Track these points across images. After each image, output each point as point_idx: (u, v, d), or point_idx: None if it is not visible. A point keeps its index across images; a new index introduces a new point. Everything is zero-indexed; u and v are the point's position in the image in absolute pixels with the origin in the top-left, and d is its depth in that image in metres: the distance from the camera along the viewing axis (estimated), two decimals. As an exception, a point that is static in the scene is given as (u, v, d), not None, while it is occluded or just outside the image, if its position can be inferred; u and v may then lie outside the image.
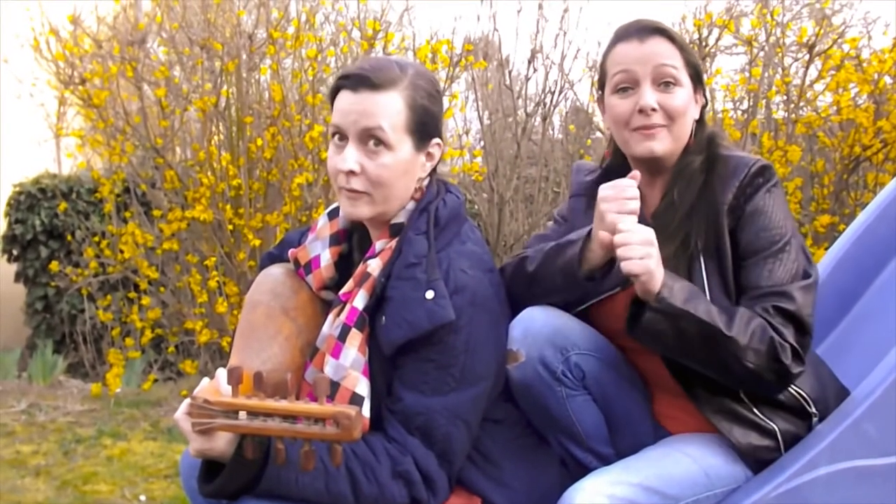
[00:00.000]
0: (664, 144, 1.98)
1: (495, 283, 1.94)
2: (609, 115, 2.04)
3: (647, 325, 1.81)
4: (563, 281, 1.92)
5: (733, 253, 1.93)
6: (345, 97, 1.89)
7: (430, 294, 1.81)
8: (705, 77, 2.06)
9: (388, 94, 1.87)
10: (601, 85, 2.07)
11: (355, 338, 1.85)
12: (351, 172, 1.86)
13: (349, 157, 1.86)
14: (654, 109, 1.95)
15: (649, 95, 1.96)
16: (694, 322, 1.80)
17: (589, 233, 1.90)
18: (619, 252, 1.77)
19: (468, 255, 1.91)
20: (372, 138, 1.86)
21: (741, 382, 1.89)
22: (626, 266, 1.76)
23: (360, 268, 1.92)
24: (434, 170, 1.99)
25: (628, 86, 1.98)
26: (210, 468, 1.74)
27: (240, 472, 1.69)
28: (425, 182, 1.96)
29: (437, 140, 1.96)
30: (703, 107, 2.06)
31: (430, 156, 1.95)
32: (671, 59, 1.97)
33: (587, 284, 1.91)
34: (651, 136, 1.97)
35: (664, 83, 1.97)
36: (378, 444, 1.80)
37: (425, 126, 1.92)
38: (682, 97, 1.97)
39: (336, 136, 1.90)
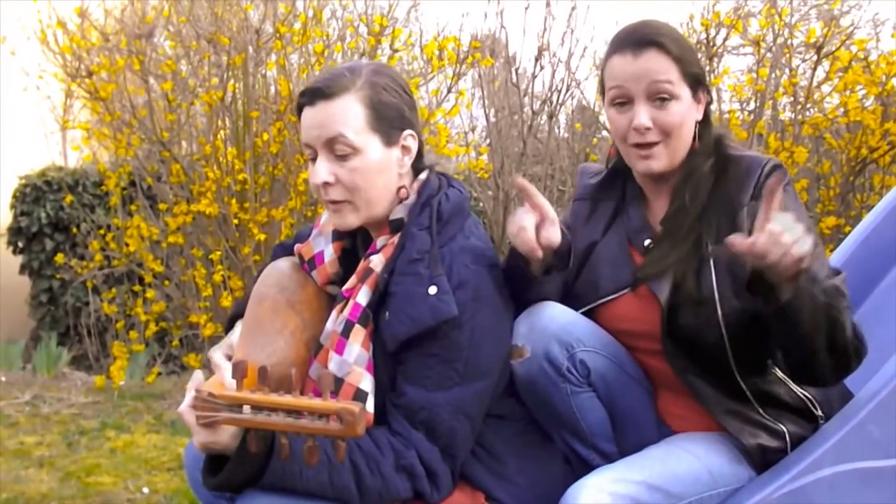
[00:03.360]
0: (662, 162, 1.97)
1: (498, 278, 1.94)
2: (609, 125, 2.04)
3: (795, 305, 1.73)
4: (542, 293, 1.95)
5: None
6: (306, 114, 1.91)
7: (433, 289, 1.81)
8: (713, 77, 2.05)
9: (342, 99, 1.88)
10: (601, 91, 2.06)
11: (359, 334, 1.85)
12: (326, 184, 1.87)
13: (320, 170, 1.88)
14: (648, 128, 1.94)
15: (643, 115, 1.94)
16: (822, 291, 1.75)
17: (513, 251, 1.93)
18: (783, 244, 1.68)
19: (471, 251, 1.91)
20: (336, 146, 1.87)
21: (836, 361, 1.82)
22: (798, 252, 1.67)
23: (362, 264, 1.92)
24: (420, 161, 1.98)
25: (624, 101, 1.97)
26: (214, 461, 1.74)
27: (244, 465, 1.70)
28: (422, 175, 1.96)
29: (408, 132, 1.95)
30: (708, 104, 2.03)
31: (405, 149, 1.94)
32: (665, 73, 1.94)
33: (551, 279, 1.94)
34: (648, 157, 1.97)
35: (659, 98, 1.94)
36: (382, 438, 1.80)
37: (389, 120, 1.91)
38: (678, 111, 1.95)
39: (309, 155, 1.92)
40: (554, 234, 1.87)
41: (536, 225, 1.87)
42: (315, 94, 1.89)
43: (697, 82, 1.99)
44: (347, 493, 1.76)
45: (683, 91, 1.95)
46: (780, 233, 1.67)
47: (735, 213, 1.93)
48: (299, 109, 1.93)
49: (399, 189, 1.94)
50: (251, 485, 1.73)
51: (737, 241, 1.71)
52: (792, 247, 1.66)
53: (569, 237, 1.98)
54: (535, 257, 1.88)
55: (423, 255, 1.86)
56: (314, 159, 1.91)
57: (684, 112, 1.96)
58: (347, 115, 1.87)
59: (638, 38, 1.96)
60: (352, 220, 1.91)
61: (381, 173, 1.91)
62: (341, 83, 1.89)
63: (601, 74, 2.05)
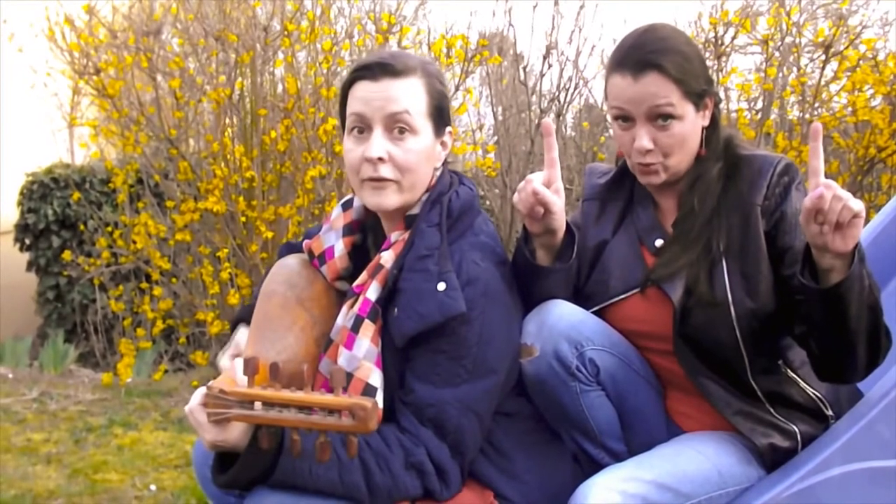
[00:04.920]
0: (664, 176, 1.98)
1: (508, 275, 1.94)
2: (614, 136, 2.04)
3: (849, 286, 1.71)
4: (547, 287, 1.95)
5: (775, 254, 1.91)
6: (365, 87, 1.89)
7: (441, 286, 1.81)
8: (721, 76, 2.03)
9: (410, 79, 1.89)
10: (606, 98, 2.06)
11: (368, 329, 1.85)
12: (380, 159, 1.87)
13: (377, 144, 1.87)
14: (649, 150, 1.94)
15: (644, 138, 1.93)
16: (869, 274, 1.75)
17: (526, 238, 1.94)
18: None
19: (481, 248, 1.91)
20: (398, 124, 1.87)
21: (872, 352, 1.81)
22: (855, 205, 1.66)
23: (373, 259, 1.92)
24: (445, 159, 2.00)
25: (626, 117, 1.96)
26: (224, 458, 1.75)
27: (254, 462, 1.70)
28: (438, 172, 1.97)
29: (449, 128, 1.98)
30: (717, 104, 2.02)
31: (444, 144, 1.97)
32: (666, 97, 1.91)
33: (555, 270, 1.94)
34: (649, 173, 1.97)
35: (661, 118, 1.93)
36: (391, 435, 1.80)
37: (442, 112, 1.95)
38: (680, 131, 1.94)
39: (356, 130, 1.91)
40: (553, 199, 1.85)
41: (543, 183, 1.87)
42: (381, 69, 1.89)
43: (702, 95, 1.97)
44: (357, 491, 1.76)
45: (686, 109, 1.94)
46: (835, 186, 1.67)
47: (748, 213, 1.93)
48: (352, 82, 1.92)
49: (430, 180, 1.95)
50: (261, 482, 1.73)
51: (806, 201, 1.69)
52: (849, 200, 1.66)
53: (574, 230, 1.98)
54: (534, 217, 1.87)
55: (433, 252, 1.86)
56: (360, 130, 1.90)
57: (687, 130, 1.95)
58: (414, 96, 1.89)
59: (639, 60, 1.92)
60: (392, 201, 1.90)
61: (428, 161, 1.93)
62: (409, 64, 1.90)
63: (605, 85, 2.05)
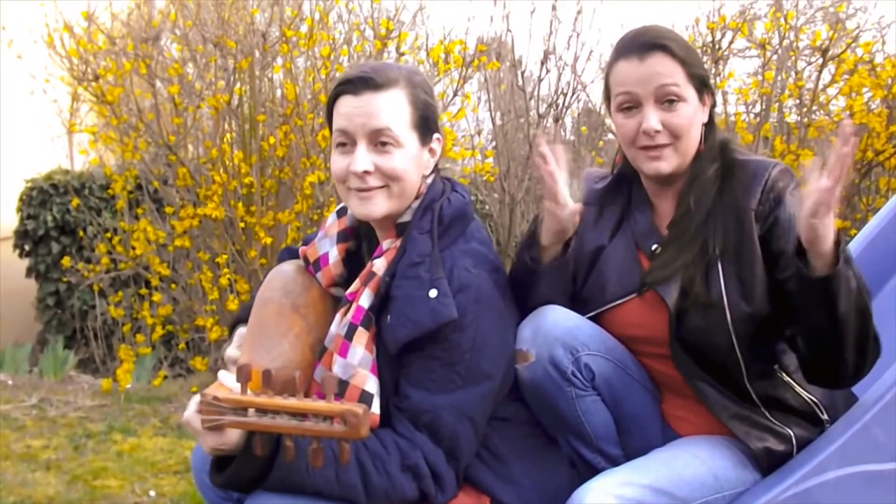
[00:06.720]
0: (671, 163, 1.98)
1: (501, 282, 1.95)
2: (616, 131, 2.04)
3: (834, 283, 1.72)
4: (544, 291, 1.96)
5: (770, 258, 1.91)
6: (348, 101, 1.90)
7: (433, 293, 1.82)
8: (719, 80, 2.04)
9: (391, 92, 1.89)
10: (607, 97, 2.07)
11: (362, 336, 1.86)
12: (366, 173, 1.87)
13: (362, 158, 1.88)
14: (658, 131, 1.95)
15: (652, 118, 1.95)
16: (856, 277, 1.76)
17: (534, 232, 1.95)
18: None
19: (473, 254, 1.91)
20: (381, 138, 1.88)
21: (859, 357, 1.82)
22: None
23: (366, 267, 1.93)
24: (437, 166, 2.00)
25: (631, 105, 1.98)
26: (221, 460, 1.75)
27: (249, 464, 1.70)
28: (429, 179, 1.98)
29: (437, 135, 1.98)
30: (713, 106, 2.04)
31: (432, 151, 1.98)
32: (672, 76, 1.95)
33: (554, 271, 1.96)
34: (657, 158, 1.98)
35: (667, 101, 1.95)
36: (388, 438, 1.81)
37: (428, 121, 1.95)
38: (687, 113, 1.96)
39: (340, 144, 1.92)
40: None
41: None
42: (363, 84, 1.89)
43: (703, 84, 2.00)
44: (354, 492, 1.76)
45: (690, 93, 1.96)
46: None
47: (742, 217, 1.93)
48: (336, 97, 1.93)
49: (419, 188, 1.96)
50: (259, 481, 1.73)
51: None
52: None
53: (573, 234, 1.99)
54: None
55: (424, 259, 1.87)
56: (345, 146, 1.91)
57: (692, 114, 1.97)
58: (396, 109, 1.89)
59: (643, 43, 1.96)
60: (380, 209, 1.91)
61: (417, 169, 1.94)
62: (391, 76, 1.90)
63: (606, 81, 2.06)
